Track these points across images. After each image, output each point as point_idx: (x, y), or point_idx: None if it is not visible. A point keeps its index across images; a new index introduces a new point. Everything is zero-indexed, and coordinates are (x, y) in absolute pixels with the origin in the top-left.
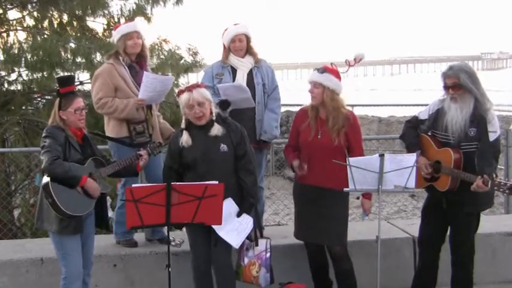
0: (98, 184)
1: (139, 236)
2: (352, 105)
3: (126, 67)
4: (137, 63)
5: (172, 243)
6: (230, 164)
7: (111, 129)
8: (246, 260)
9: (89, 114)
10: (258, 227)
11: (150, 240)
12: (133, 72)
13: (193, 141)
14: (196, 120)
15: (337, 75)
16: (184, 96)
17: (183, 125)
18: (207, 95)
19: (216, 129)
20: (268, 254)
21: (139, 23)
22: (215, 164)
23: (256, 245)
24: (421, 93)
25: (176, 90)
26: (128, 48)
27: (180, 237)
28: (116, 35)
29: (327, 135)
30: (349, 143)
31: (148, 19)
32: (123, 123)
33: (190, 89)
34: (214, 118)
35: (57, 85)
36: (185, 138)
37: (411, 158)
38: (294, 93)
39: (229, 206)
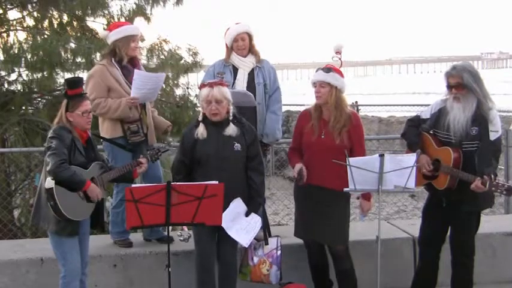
0: (100, 189)
1: (137, 236)
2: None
3: (118, 67)
4: (129, 62)
5: (180, 238)
6: (242, 164)
7: (105, 129)
8: (255, 260)
9: None
10: (266, 226)
11: (148, 240)
12: (126, 72)
13: (208, 136)
14: (211, 116)
15: (341, 74)
16: (205, 91)
17: (200, 118)
18: (226, 94)
19: (231, 130)
20: (279, 252)
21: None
22: (228, 161)
23: (266, 243)
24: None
25: (176, 90)
26: (129, 50)
27: (187, 232)
28: (116, 34)
29: (330, 135)
30: (351, 143)
31: (148, 19)
32: (117, 123)
33: (212, 85)
34: (231, 118)
35: (66, 86)
36: (201, 130)
37: (411, 158)
38: (294, 94)
39: (238, 205)
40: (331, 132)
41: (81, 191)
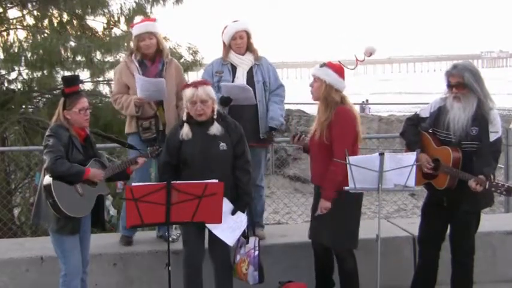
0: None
1: (137, 235)
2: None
3: (137, 64)
4: (150, 58)
5: (170, 237)
6: (228, 163)
7: (126, 124)
8: (237, 257)
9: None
10: (251, 224)
11: (161, 237)
12: (144, 68)
13: (192, 136)
14: (197, 116)
15: (337, 70)
16: (189, 92)
17: (183, 118)
18: (211, 94)
19: (216, 129)
20: (256, 252)
21: (152, 23)
22: (214, 161)
23: (247, 242)
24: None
25: None
26: (141, 49)
27: (177, 233)
28: (133, 31)
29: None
30: (332, 139)
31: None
32: (133, 120)
33: (196, 85)
34: (215, 117)
35: (62, 84)
36: (186, 131)
37: (411, 157)
38: (294, 93)
39: (224, 205)
40: (317, 128)
41: (83, 179)
